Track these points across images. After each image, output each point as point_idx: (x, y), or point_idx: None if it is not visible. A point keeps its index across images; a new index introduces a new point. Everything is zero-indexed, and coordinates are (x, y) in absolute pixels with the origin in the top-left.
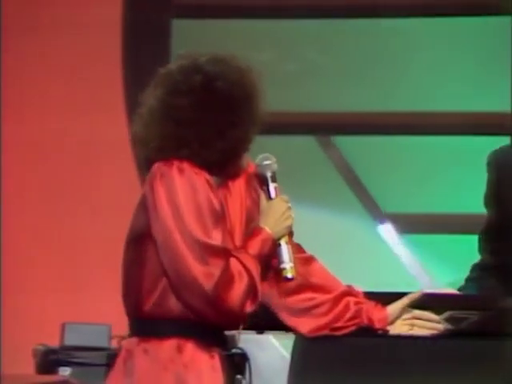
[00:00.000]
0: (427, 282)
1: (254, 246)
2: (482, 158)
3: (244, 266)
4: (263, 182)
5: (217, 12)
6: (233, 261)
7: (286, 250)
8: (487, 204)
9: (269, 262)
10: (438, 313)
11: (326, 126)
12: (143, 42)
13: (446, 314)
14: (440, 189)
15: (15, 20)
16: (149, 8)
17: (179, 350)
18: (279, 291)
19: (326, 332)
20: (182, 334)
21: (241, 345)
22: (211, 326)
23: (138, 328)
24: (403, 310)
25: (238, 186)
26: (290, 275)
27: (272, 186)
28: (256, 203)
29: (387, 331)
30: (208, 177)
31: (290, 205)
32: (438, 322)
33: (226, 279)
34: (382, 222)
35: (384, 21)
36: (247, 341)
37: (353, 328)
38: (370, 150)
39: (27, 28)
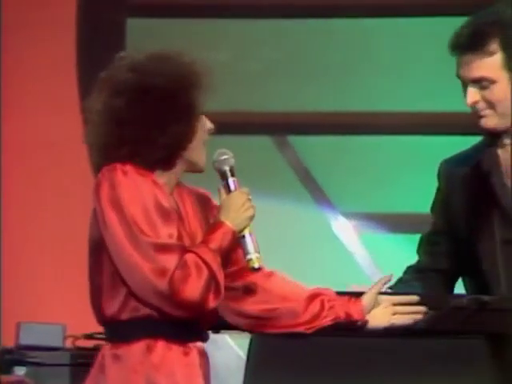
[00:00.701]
0: None
1: (214, 240)
2: (439, 158)
3: (203, 260)
4: (222, 177)
5: (173, 11)
6: (190, 255)
7: (250, 241)
8: (434, 210)
9: (229, 256)
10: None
11: (282, 126)
12: (98, 41)
13: None
14: (396, 188)
15: None
16: (103, 7)
17: (149, 350)
18: (249, 307)
19: (301, 330)
20: (151, 334)
21: None
22: (184, 321)
23: (109, 333)
24: (377, 298)
25: (199, 202)
26: (256, 265)
27: (231, 180)
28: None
29: (366, 322)
30: (155, 178)
31: (250, 197)
32: (418, 304)
33: (182, 274)
34: (337, 221)
35: (341, 21)
36: None
37: (330, 324)
38: (325, 150)
39: None
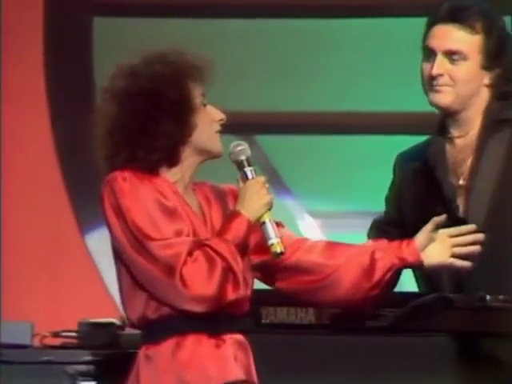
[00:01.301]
0: None
1: (229, 231)
2: None
3: (216, 252)
4: (239, 167)
5: (141, 10)
6: (202, 249)
7: (270, 227)
8: (388, 203)
9: (247, 246)
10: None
11: (250, 126)
12: (64, 41)
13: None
14: (363, 187)
15: None
16: (70, 6)
17: (178, 348)
18: (300, 282)
19: (366, 291)
20: (179, 330)
21: None
22: (212, 314)
23: (142, 335)
24: (431, 235)
25: (220, 199)
26: (279, 250)
27: (248, 169)
28: None
29: (421, 262)
30: (155, 180)
31: (266, 185)
32: (476, 232)
33: (193, 269)
34: (303, 220)
35: (310, 21)
36: None
37: (389, 275)
38: (292, 149)
39: None
